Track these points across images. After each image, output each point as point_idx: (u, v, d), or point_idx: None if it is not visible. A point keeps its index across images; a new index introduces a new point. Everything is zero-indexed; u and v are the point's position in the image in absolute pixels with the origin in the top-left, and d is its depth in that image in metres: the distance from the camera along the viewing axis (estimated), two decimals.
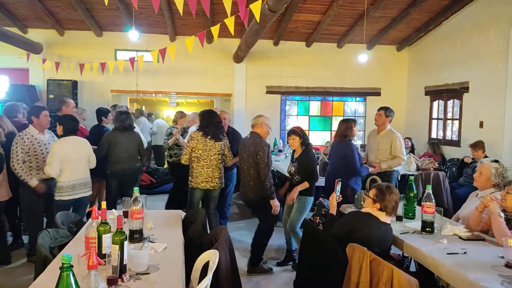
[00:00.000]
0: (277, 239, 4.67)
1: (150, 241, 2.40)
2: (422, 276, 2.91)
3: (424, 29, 8.00)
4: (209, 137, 4.16)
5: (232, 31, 4.25)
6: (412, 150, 7.73)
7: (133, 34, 6.36)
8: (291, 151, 4.25)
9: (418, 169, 6.18)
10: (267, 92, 8.81)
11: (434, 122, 8.24)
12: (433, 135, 8.22)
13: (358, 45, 8.37)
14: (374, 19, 7.48)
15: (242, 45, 7.11)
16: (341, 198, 3.09)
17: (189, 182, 4.26)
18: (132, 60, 5.99)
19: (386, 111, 4.75)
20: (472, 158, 5.78)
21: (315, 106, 9.36)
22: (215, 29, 4.59)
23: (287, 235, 4.16)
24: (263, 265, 3.93)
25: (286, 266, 4.08)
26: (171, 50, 5.32)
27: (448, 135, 7.81)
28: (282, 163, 6.42)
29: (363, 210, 2.72)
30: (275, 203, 3.79)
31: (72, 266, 1.34)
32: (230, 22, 4.20)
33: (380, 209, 2.59)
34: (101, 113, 5.53)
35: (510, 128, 6.00)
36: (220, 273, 2.21)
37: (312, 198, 3.95)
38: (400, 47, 8.98)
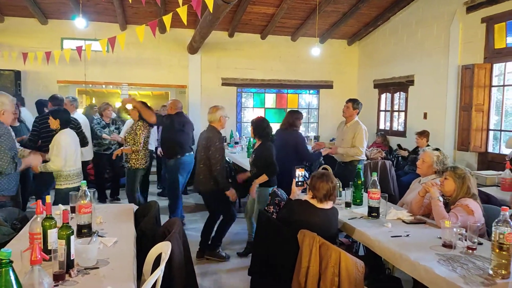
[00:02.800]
0: (238, 230, 4.72)
1: (99, 236, 2.34)
2: (370, 259, 3.08)
3: (373, 24, 8.31)
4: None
5: (185, 21, 4.17)
6: None
7: (79, 22, 6.05)
8: (254, 142, 4.36)
9: (367, 158, 6.46)
10: (223, 84, 8.77)
11: (382, 113, 8.62)
12: (381, 126, 8.61)
13: (311, 39, 8.53)
14: (326, 13, 7.65)
15: (196, 36, 7.01)
16: (306, 185, 3.14)
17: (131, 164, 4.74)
18: (79, 49, 5.70)
19: (353, 103, 4.80)
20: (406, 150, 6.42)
21: (270, 99, 9.46)
22: (167, 19, 4.48)
23: (250, 226, 4.23)
24: (220, 251, 4.02)
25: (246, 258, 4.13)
26: (121, 39, 5.13)
27: (395, 126, 8.21)
28: (238, 155, 6.46)
29: (304, 197, 2.81)
30: (231, 193, 3.82)
31: (11, 262, 1.28)
32: (182, 11, 4.12)
33: (313, 197, 2.69)
34: (41, 105, 5.36)
35: (451, 118, 6.41)
36: (173, 264, 2.19)
37: (269, 189, 4.01)
38: (350, 42, 9.27)
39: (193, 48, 7.97)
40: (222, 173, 3.73)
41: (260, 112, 9.26)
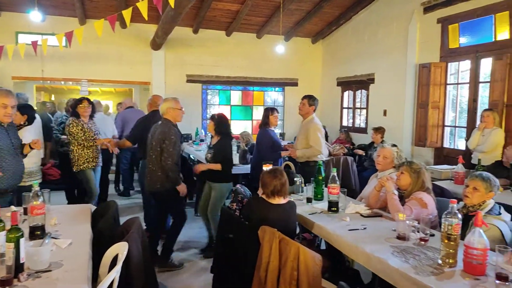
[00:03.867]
0: (198, 228, 4.69)
1: (53, 237, 2.25)
2: (331, 253, 3.15)
3: (336, 23, 8.48)
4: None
5: (145, 15, 4.08)
6: (326, 137, 8.22)
7: (35, 15, 5.79)
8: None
9: (330, 154, 6.59)
10: (188, 81, 8.67)
11: (345, 111, 8.83)
12: (344, 123, 8.82)
13: (276, 36, 8.59)
14: (290, 11, 7.72)
15: (159, 32, 6.89)
16: None
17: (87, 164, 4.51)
18: (34, 44, 5.45)
19: (309, 99, 4.56)
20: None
21: (236, 96, 9.45)
22: (126, 13, 4.36)
23: (207, 222, 4.18)
24: (173, 260, 3.83)
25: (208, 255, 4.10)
26: (79, 34, 4.94)
27: (357, 123, 8.43)
28: (203, 153, 6.39)
29: (261, 193, 2.84)
30: (181, 188, 3.73)
31: None
32: (143, 6, 4.03)
33: (263, 193, 2.74)
34: None
35: (409, 115, 6.66)
36: (131, 265, 2.15)
37: (228, 185, 4.01)
38: (314, 40, 9.41)
39: (156, 44, 7.82)
40: (173, 168, 3.60)
41: (226, 110, 9.24)
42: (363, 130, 8.04)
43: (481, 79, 5.59)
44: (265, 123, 4.77)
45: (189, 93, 8.57)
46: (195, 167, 4.28)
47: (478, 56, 5.55)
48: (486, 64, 5.48)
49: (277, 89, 9.62)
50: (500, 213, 2.45)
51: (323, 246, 3.68)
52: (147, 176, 3.81)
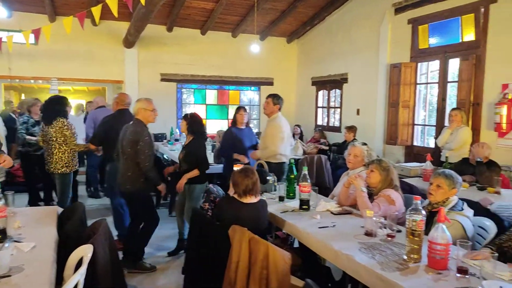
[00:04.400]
0: (170, 229, 4.64)
1: (15, 241, 2.17)
2: (303, 251, 3.17)
3: (310, 23, 8.56)
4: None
5: (115, 13, 3.99)
6: (301, 136, 8.30)
7: (0, 11, 5.58)
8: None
9: (304, 153, 6.66)
10: (162, 80, 8.56)
11: (320, 110, 8.93)
12: (319, 122, 8.92)
13: (251, 36, 8.59)
14: (264, 10, 7.74)
15: (131, 29, 6.77)
16: None
17: (66, 168, 4.28)
18: None
19: (273, 98, 4.53)
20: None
21: (212, 95, 9.40)
22: (96, 10, 4.25)
23: (181, 224, 4.14)
24: (144, 262, 3.75)
25: (178, 256, 4.06)
26: (47, 31, 4.79)
27: (331, 122, 8.54)
28: (177, 153, 6.32)
29: (231, 193, 2.84)
30: (162, 187, 3.69)
31: None
32: (112, 3, 3.94)
33: (235, 192, 2.74)
34: None
35: (381, 114, 6.79)
36: (97, 268, 2.10)
37: (203, 186, 3.97)
38: (289, 39, 9.47)
39: (129, 42, 7.68)
40: (152, 170, 3.57)
41: (201, 109, 9.18)
42: (337, 129, 8.15)
43: (449, 79, 5.76)
44: (232, 122, 4.79)
45: (164, 92, 8.47)
46: (165, 170, 4.23)
47: (446, 57, 5.72)
48: (454, 64, 5.65)
49: (253, 88, 9.63)
50: (462, 209, 2.52)
51: (296, 244, 3.71)
52: (120, 178, 3.73)
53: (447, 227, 2.33)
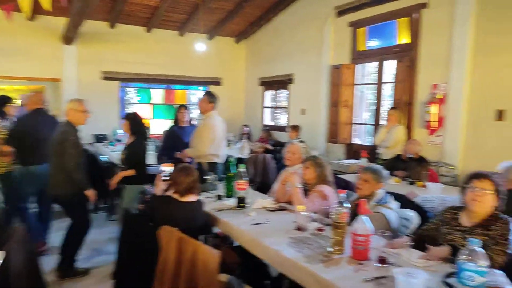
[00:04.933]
0: (110, 233, 4.45)
1: None
2: (242, 249, 3.17)
3: (257, 23, 8.62)
4: None
5: (46, 6, 3.76)
6: (249, 136, 8.33)
7: None
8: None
9: (252, 152, 6.69)
10: (104, 78, 8.21)
11: (267, 110, 9.02)
12: (267, 122, 9.01)
13: (199, 35, 8.48)
14: (211, 10, 7.68)
15: (69, 25, 6.44)
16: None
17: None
18: None
19: (209, 96, 4.40)
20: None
21: (158, 94, 9.17)
22: (23, 2, 3.98)
23: None
24: (77, 266, 3.58)
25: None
26: None
27: (278, 122, 8.66)
28: (118, 154, 6.10)
29: (167, 192, 2.79)
30: (90, 193, 3.52)
31: None
32: None
33: (175, 191, 2.69)
34: None
35: (324, 114, 6.98)
36: (11, 276, 1.95)
37: (141, 187, 3.85)
38: (238, 40, 9.48)
39: (67, 38, 7.31)
40: (77, 170, 3.40)
41: (147, 108, 8.94)
42: (284, 129, 8.27)
43: (386, 80, 6.04)
44: (174, 121, 4.74)
45: (106, 91, 8.13)
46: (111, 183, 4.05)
47: (383, 59, 5.99)
48: (390, 66, 5.93)
49: (201, 88, 9.53)
50: (387, 202, 2.64)
51: (236, 243, 3.70)
52: (50, 182, 3.53)
53: (373, 220, 2.42)
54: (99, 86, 8.06)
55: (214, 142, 4.21)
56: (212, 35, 8.99)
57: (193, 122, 5.41)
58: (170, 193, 2.76)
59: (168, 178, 2.98)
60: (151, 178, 4.24)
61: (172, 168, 3.04)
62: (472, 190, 2.13)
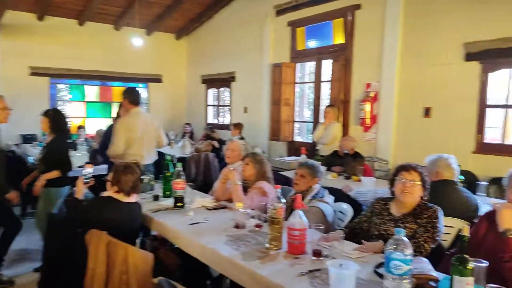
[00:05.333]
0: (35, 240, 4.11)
1: None
2: (182, 250, 3.08)
3: (198, 20, 8.49)
4: None
5: None
6: (191, 135, 8.18)
7: None
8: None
9: (196, 151, 6.55)
10: (32, 74, 7.62)
11: (210, 108, 8.92)
12: (210, 120, 8.91)
13: (137, 30, 8.14)
14: (148, 4, 7.43)
15: None
16: (93, 182, 2.89)
17: None
18: None
19: (126, 95, 4.01)
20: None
21: (92, 91, 8.68)
22: None
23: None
24: (1, 274, 3.31)
25: None
26: None
27: (221, 120, 8.60)
28: None
29: (105, 193, 2.63)
30: (12, 196, 3.23)
31: None
32: None
33: (118, 191, 2.56)
34: None
35: (266, 112, 7.04)
36: None
37: (64, 189, 3.59)
38: (178, 36, 9.26)
39: None
40: None
41: (80, 106, 8.44)
42: (227, 127, 8.22)
43: (323, 79, 6.22)
44: (116, 118, 4.47)
45: (34, 87, 7.55)
46: (23, 183, 3.72)
47: (320, 58, 6.16)
48: (327, 65, 6.12)
49: (140, 85, 9.17)
50: (323, 196, 2.70)
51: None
52: None
53: (309, 214, 2.46)
54: (27, 83, 7.47)
55: (134, 141, 3.88)
56: (150, 31, 8.70)
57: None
58: (109, 193, 2.59)
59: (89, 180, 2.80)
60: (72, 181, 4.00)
61: (93, 169, 2.88)
62: (401, 182, 2.23)
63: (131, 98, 3.97)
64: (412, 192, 2.21)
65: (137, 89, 4.23)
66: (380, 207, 2.36)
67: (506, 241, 1.68)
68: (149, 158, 4.05)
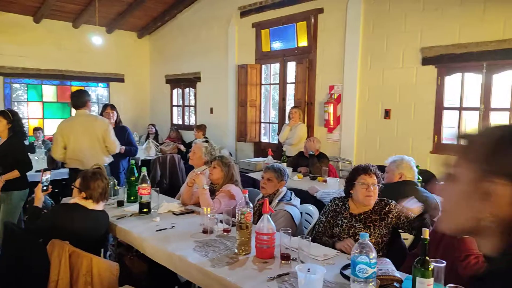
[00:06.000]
0: None
1: None
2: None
3: (161, 19, 8.32)
4: None
5: None
6: (156, 136, 8.03)
7: None
8: None
9: (162, 153, 6.44)
10: None
11: (175, 108, 8.79)
12: (175, 121, 8.78)
13: (97, 28, 7.87)
14: (109, 1, 7.20)
15: None
16: (51, 189, 2.78)
17: None
18: None
19: (71, 97, 3.93)
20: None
21: (50, 91, 8.30)
22: None
23: None
24: None
25: None
26: None
27: (187, 121, 8.50)
28: None
29: (71, 200, 2.54)
30: None
31: None
32: None
33: (86, 198, 2.48)
34: None
35: (232, 113, 7.02)
36: None
37: (24, 193, 3.43)
38: (140, 35, 9.05)
39: None
40: None
41: (37, 107, 8.05)
42: (192, 128, 8.13)
43: (288, 81, 6.30)
44: None
45: None
46: None
47: (285, 60, 6.23)
48: (292, 67, 6.19)
49: (101, 84, 8.89)
50: (291, 199, 2.74)
51: None
52: None
53: (277, 217, 2.49)
54: None
55: (72, 146, 3.75)
56: (111, 29, 8.44)
57: (123, 124, 5.03)
58: (76, 200, 2.50)
59: (47, 186, 2.69)
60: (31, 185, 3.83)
61: (50, 175, 2.78)
62: (364, 186, 2.30)
63: (72, 101, 3.88)
64: (375, 194, 2.33)
65: (81, 91, 4.12)
66: (339, 208, 2.44)
67: (461, 241, 1.79)
68: (92, 163, 3.91)
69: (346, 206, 2.42)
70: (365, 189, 2.30)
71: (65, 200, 2.96)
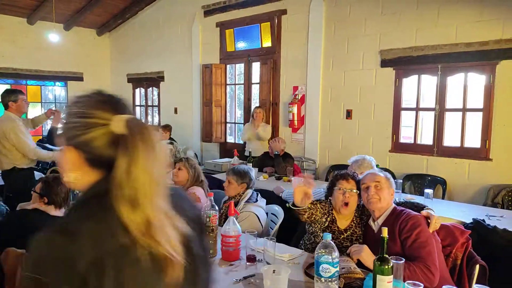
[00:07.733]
0: None
1: None
2: None
3: (121, 16, 8.10)
4: None
5: None
6: None
7: None
8: None
9: None
10: None
11: (138, 108, 8.59)
12: None
13: (54, 24, 7.52)
14: None
15: None
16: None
17: None
18: None
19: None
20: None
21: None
22: None
23: None
24: None
25: None
26: None
27: (151, 121, 8.32)
28: None
29: (30, 206, 2.43)
30: None
31: None
32: None
33: (48, 203, 2.38)
34: None
35: (197, 113, 6.96)
36: None
37: None
38: (100, 32, 8.76)
39: None
40: None
41: None
42: (155, 129, 7.99)
43: (253, 81, 6.32)
44: None
45: None
46: None
47: (250, 60, 6.25)
48: (256, 68, 6.23)
49: (58, 83, 8.53)
50: (257, 200, 2.76)
51: None
52: None
53: (243, 219, 2.50)
54: None
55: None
56: (69, 26, 8.12)
57: None
58: (36, 205, 2.38)
59: (35, 189, 2.57)
60: None
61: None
62: (340, 192, 2.21)
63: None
64: (354, 202, 2.20)
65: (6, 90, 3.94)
66: (327, 220, 2.30)
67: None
68: (5, 165, 3.75)
69: (333, 218, 2.28)
70: (342, 194, 2.19)
71: (22, 205, 2.83)
